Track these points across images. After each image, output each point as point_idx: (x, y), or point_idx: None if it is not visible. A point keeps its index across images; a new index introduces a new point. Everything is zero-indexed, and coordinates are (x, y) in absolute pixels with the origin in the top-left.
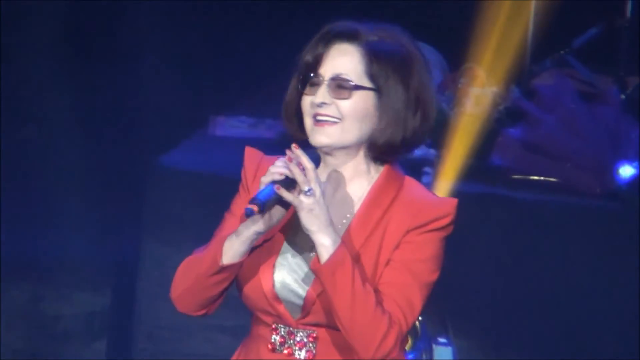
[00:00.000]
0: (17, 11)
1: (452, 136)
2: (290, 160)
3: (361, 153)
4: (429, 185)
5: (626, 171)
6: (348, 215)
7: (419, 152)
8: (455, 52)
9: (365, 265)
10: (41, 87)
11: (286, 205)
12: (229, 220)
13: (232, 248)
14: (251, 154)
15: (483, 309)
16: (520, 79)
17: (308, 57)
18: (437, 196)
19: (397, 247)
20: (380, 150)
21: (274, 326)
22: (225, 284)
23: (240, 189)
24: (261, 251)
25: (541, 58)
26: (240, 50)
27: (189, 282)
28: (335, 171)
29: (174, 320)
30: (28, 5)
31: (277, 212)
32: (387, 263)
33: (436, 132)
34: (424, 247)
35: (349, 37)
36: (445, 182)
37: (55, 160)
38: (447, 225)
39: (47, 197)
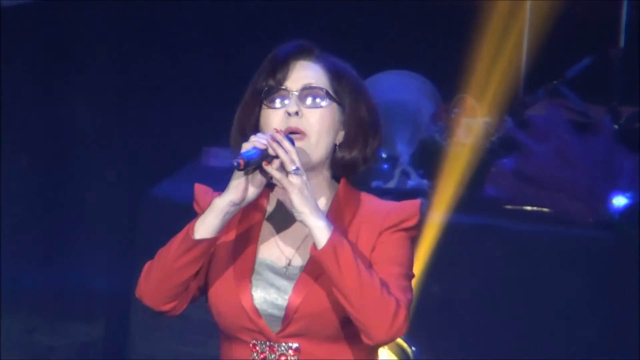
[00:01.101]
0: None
1: (445, 167)
2: (273, 140)
3: (325, 172)
4: (424, 215)
5: (619, 201)
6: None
7: (411, 182)
8: (448, 82)
9: None
10: (32, 117)
11: (265, 175)
12: None
13: (205, 222)
14: (201, 190)
15: (477, 340)
16: (513, 109)
17: (269, 75)
18: (399, 202)
19: (373, 249)
20: (343, 167)
21: (253, 343)
22: (195, 267)
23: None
24: (234, 270)
25: (534, 88)
26: (234, 81)
27: (157, 271)
28: None
29: (169, 351)
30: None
31: (254, 186)
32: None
33: (429, 163)
34: (399, 246)
35: (306, 53)
36: (438, 212)
37: (47, 191)
38: (416, 226)
39: (42, 229)
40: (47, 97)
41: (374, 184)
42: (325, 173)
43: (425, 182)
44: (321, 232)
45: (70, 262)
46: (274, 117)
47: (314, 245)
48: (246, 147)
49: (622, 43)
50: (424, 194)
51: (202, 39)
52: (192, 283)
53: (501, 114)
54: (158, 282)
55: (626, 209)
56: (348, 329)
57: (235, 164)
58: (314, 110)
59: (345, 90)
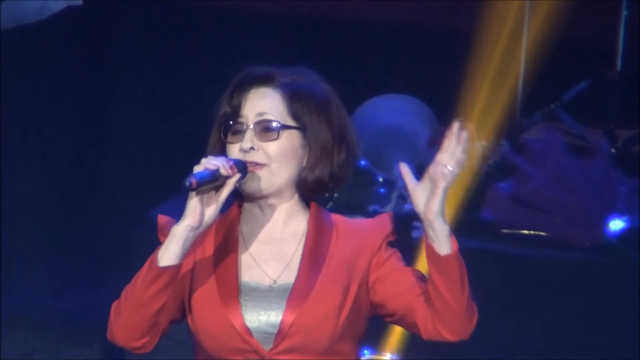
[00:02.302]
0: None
1: None
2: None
3: (295, 195)
4: (418, 240)
5: (616, 225)
6: (297, 248)
7: (408, 206)
8: (445, 106)
9: (331, 286)
10: (27, 142)
11: (218, 192)
12: None
13: (168, 250)
14: (163, 220)
15: None
16: (510, 133)
17: (227, 106)
18: (369, 218)
19: (379, 264)
20: (310, 187)
21: None
22: (161, 299)
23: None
24: (220, 292)
25: (531, 112)
26: None
27: (126, 306)
28: (272, 215)
29: None
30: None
31: (210, 209)
32: (360, 289)
33: None
34: (396, 258)
35: (265, 80)
36: None
37: (45, 215)
38: (396, 238)
39: (38, 251)
40: (43, 115)
41: (371, 207)
42: (295, 197)
43: None
44: (449, 237)
45: (69, 285)
46: (233, 150)
47: (434, 248)
48: (198, 169)
49: (619, 66)
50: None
51: (201, 57)
52: (161, 316)
53: (498, 137)
54: (129, 317)
55: (623, 233)
56: (339, 343)
57: (187, 183)
58: (271, 143)
59: (305, 112)
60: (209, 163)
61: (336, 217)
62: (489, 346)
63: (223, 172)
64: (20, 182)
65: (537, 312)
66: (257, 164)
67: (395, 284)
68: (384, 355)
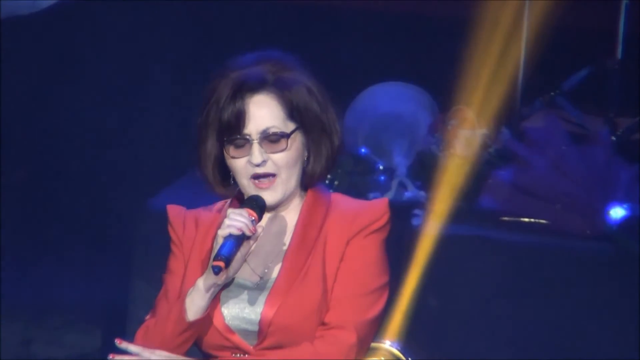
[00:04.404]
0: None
1: (442, 178)
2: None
3: (296, 189)
4: (419, 228)
5: (617, 213)
6: (285, 242)
7: (409, 194)
8: (445, 93)
9: (312, 283)
10: (27, 131)
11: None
12: (171, 281)
13: (194, 304)
14: (174, 211)
15: (473, 351)
16: (511, 120)
17: (224, 117)
18: (367, 201)
19: (342, 259)
20: (313, 180)
21: (233, 357)
22: (189, 343)
23: (173, 247)
24: None
25: (531, 99)
26: None
27: (153, 348)
28: (271, 212)
29: None
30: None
31: (235, 265)
32: (335, 276)
33: (426, 174)
34: (367, 251)
35: (259, 85)
36: (435, 224)
37: (44, 202)
38: (385, 226)
39: (37, 239)
40: (43, 107)
41: (372, 195)
42: (296, 189)
43: (422, 193)
44: None
45: (67, 273)
46: (239, 164)
47: None
48: (221, 234)
49: (619, 54)
50: (421, 206)
51: (205, 50)
52: None
53: (498, 125)
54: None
55: (624, 221)
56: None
57: (216, 270)
58: (280, 153)
59: (300, 109)
60: (232, 227)
61: (336, 198)
62: (489, 333)
63: (248, 233)
64: (17, 168)
65: (537, 300)
66: (269, 176)
67: (336, 288)
68: (383, 343)
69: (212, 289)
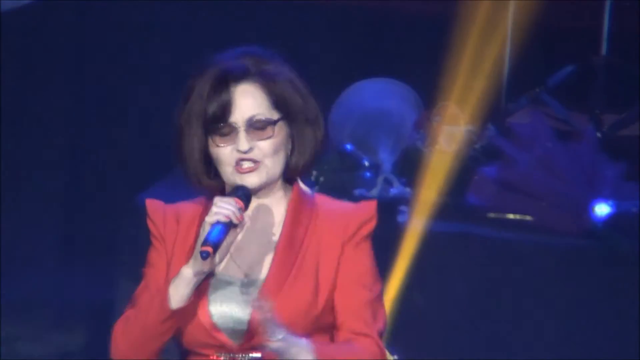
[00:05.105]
0: None
1: (427, 174)
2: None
3: (279, 182)
4: (404, 224)
5: (602, 209)
6: (271, 239)
7: (394, 190)
8: (430, 90)
9: (303, 282)
10: (18, 128)
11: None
12: (152, 274)
13: (178, 292)
14: (153, 205)
15: (460, 349)
16: (496, 117)
17: (209, 107)
18: (355, 203)
19: (338, 266)
20: (296, 172)
21: (215, 357)
22: (169, 334)
23: (153, 240)
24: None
25: (516, 96)
26: None
27: (133, 337)
28: (255, 205)
29: None
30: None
31: (220, 253)
32: (333, 282)
33: (411, 171)
34: (364, 258)
35: (242, 75)
36: (420, 220)
37: (28, 198)
38: (374, 227)
39: (21, 236)
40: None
41: (357, 192)
42: (279, 183)
43: (407, 190)
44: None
45: (51, 270)
46: (224, 152)
47: None
48: (209, 221)
49: (604, 51)
50: (407, 202)
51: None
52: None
53: (483, 121)
54: (136, 349)
55: (609, 218)
56: (315, 335)
57: (204, 255)
58: (265, 141)
59: (284, 100)
60: (219, 214)
61: (320, 199)
62: (474, 331)
63: (235, 221)
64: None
65: (523, 296)
66: (253, 162)
67: (339, 296)
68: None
69: (197, 277)
